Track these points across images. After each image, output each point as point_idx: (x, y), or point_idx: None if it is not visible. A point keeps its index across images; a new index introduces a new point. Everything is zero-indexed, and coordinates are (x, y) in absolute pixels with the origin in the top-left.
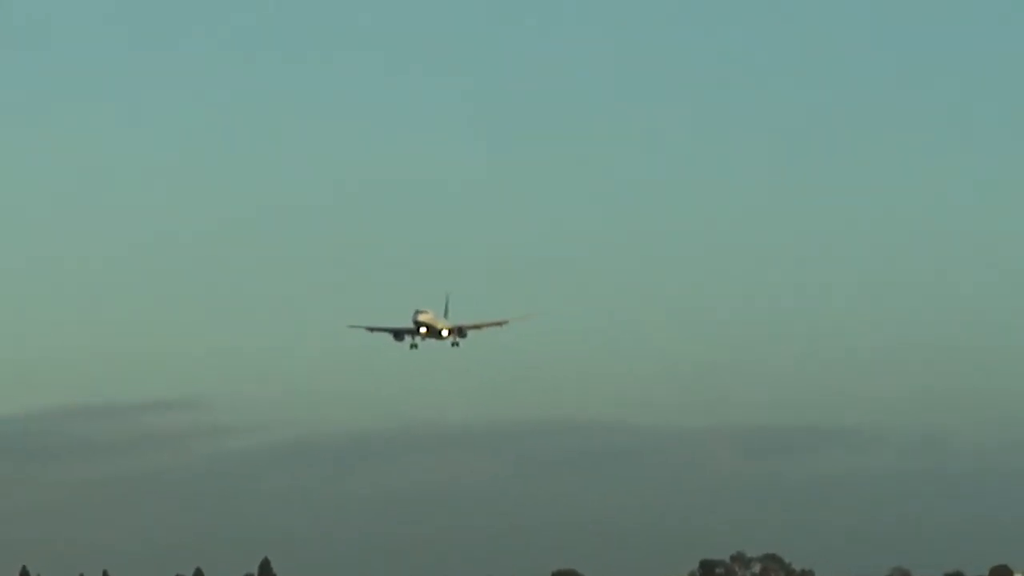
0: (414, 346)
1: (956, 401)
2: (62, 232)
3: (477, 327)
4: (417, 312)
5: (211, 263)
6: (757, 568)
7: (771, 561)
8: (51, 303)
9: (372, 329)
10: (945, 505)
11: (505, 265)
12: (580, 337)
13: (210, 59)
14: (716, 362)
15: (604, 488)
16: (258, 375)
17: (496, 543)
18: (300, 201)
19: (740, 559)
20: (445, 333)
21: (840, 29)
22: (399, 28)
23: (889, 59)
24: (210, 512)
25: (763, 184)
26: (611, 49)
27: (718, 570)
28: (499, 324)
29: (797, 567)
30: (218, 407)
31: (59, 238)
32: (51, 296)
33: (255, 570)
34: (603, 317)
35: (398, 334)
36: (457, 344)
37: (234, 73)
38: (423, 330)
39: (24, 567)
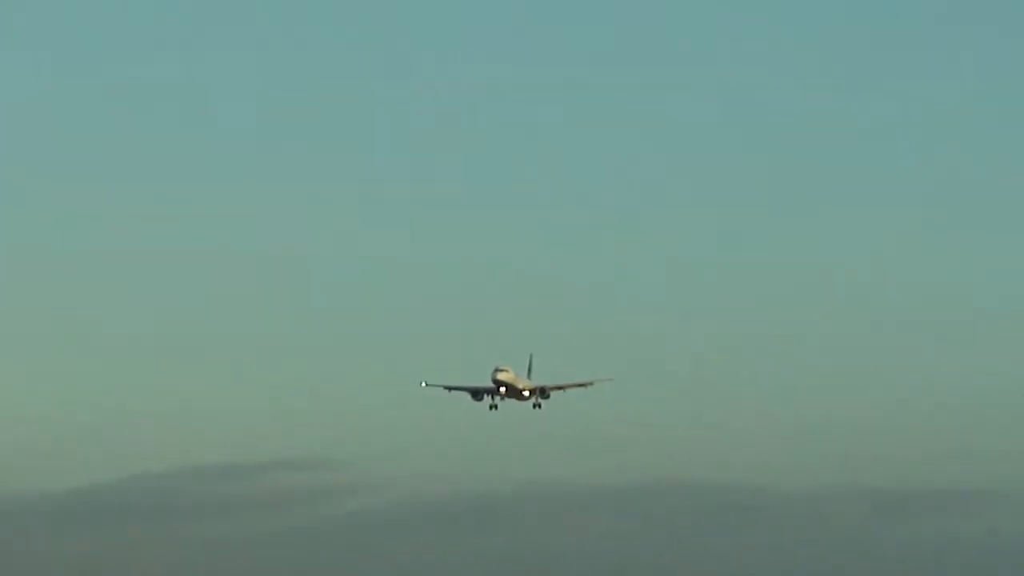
0: (494, 407)
1: None
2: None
3: (561, 388)
4: (497, 370)
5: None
6: None
7: None
8: (180, 360)
9: (450, 388)
10: None
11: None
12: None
13: None
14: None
15: (721, 551)
16: (376, 434)
17: None
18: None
19: None
20: (527, 393)
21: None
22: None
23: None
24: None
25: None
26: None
27: None
28: (584, 385)
29: None
30: (345, 467)
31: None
32: (180, 353)
33: None
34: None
35: (476, 393)
36: (539, 406)
37: None
38: (503, 389)
39: None
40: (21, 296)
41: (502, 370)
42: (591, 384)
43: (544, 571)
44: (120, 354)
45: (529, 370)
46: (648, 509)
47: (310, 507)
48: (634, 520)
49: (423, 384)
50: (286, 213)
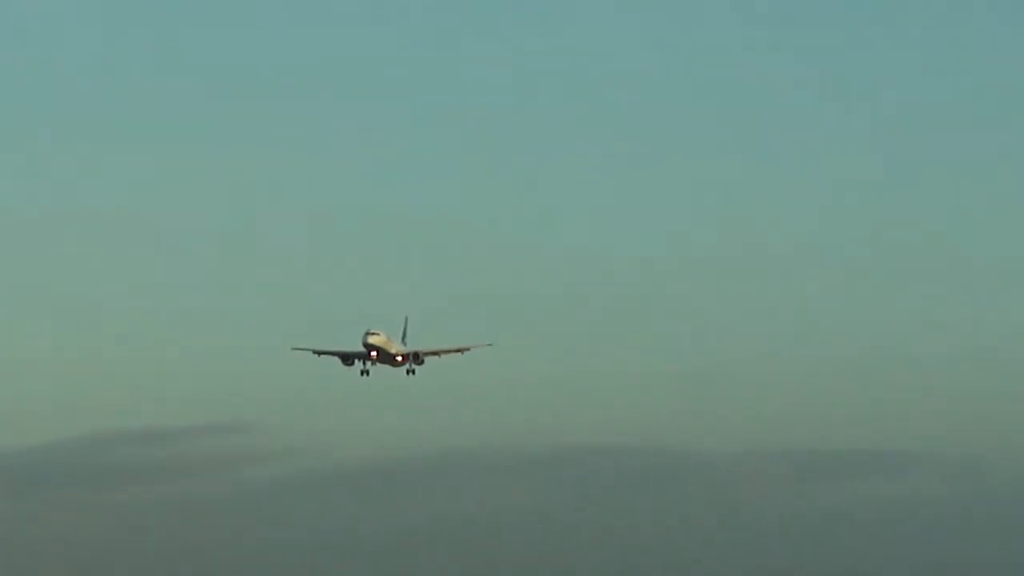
0: (365, 372)
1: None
2: (102, 250)
3: (436, 353)
4: (368, 333)
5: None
6: None
7: None
8: (85, 326)
9: (319, 353)
10: (986, 532)
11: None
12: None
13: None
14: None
15: (650, 512)
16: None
17: (545, 569)
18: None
19: None
20: (400, 359)
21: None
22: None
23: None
24: (262, 537)
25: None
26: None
27: None
28: (461, 351)
29: None
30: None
31: (99, 256)
32: (85, 319)
33: None
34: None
35: (347, 358)
36: (413, 372)
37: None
38: (374, 354)
39: None
40: None
41: (373, 333)
42: (468, 350)
43: (460, 537)
44: (37, 317)
45: (404, 335)
46: (556, 473)
47: (225, 472)
48: (540, 485)
49: (292, 349)
50: (185, 178)
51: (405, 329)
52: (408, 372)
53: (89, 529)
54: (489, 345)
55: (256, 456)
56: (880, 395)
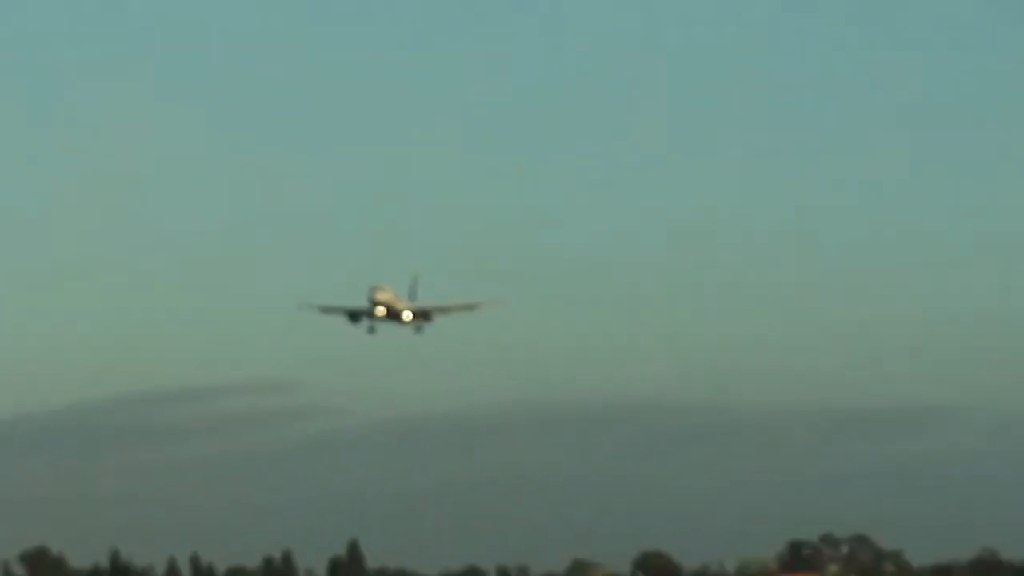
0: (372, 329)
1: None
2: (133, 218)
3: (444, 311)
4: (374, 290)
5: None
6: (845, 549)
7: (860, 542)
8: (128, 290)
9: (325, 310)
10: None
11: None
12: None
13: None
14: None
15: (691, 470)
16: (340, 356)
17: (584, 527)
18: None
19: (829, 540)
20: (407, 315)
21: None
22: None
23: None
24: (298, 494)
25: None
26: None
27: (806, 551)
28: (469, 308)
29: (886, 548)
30: (305, 390)
31: (130, 224)
32: (128, 282)
33: (343, 551)
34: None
35: (354, 315)
36: (421, 329)
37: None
38: (381, 311)
39: (115, 550)
40: None
41: (380, 289)
42: (478, 307)
43: (501, 493)
44: (72, 278)
45: (414, 292)
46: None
47: (265, 430)
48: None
49: (297, 306)
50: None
51: (415, 286)
52: (416, 330)
53: (132, 485)
54: (501, 302)
55: (294, 413)
56: (930, 354)
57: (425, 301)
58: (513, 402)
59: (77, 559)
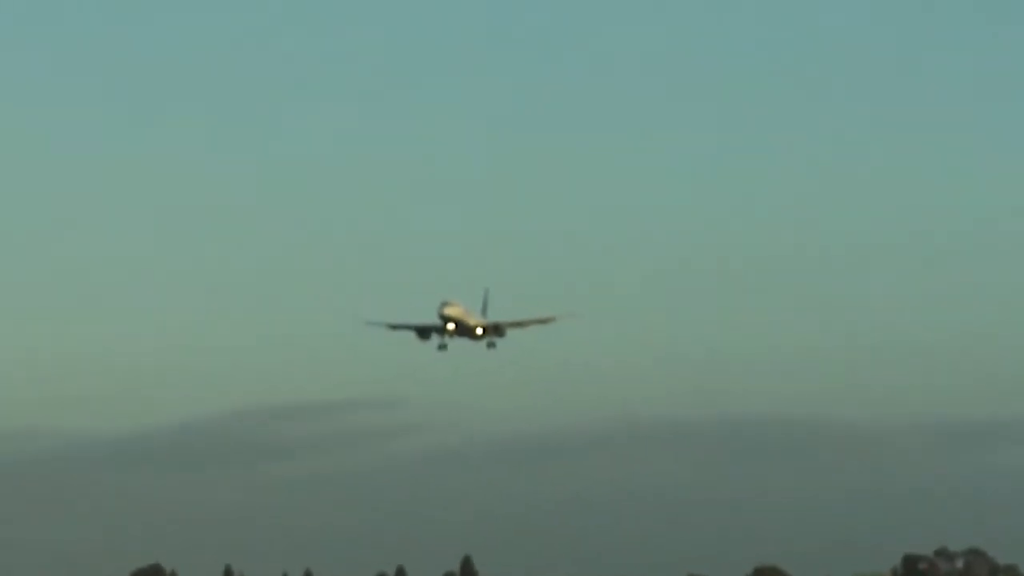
0: (443, 347)
1: None
2: (257, 232)
3: (519, 325)
4: (443, 305)
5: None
6: (960, 563)
7: (975, 556)
8: (246, 307)
9: (394, 327)
10: None
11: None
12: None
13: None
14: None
15: (806, 484)
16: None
17: (697, 542)
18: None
19: (943, 554)
20: (479, 331)
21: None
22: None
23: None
24: (411, 510)
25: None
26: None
27: (921, 565)
28: (545, 322)
29: (1001, 562)
30: (414, 407)
31: (248, 242)
32: (246, 299)
33: (457, 567)
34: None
35: (423, 331)
36: (494, 345)
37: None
38: (451, 327)
39: (228, 566)
40: (88, 237)
41: (449, 305)
42: (553, 320)
43: (617, 508)
44: (189, 297)
45: (485, 306)
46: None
47: (377, 446)
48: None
49: (366, 323)
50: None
51: (486, 301)
52: (488, 345)
53: (245, 501)
54: (576, 316)
55: (404, 430)
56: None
57: (498, 316)
58: (619, 418)
59: None
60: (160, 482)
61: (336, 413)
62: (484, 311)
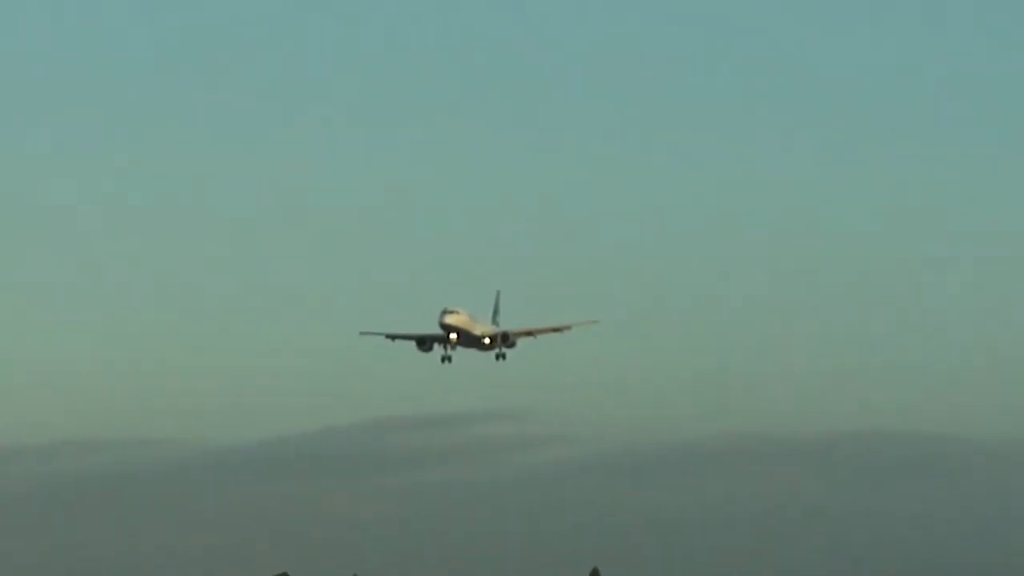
0: (447, 359)
1: None
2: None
3: (530, 333)
4: (444, 313)
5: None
6: None
7: None
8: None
9: (392, 337)
10: None
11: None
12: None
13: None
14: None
15: (919, 501)
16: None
17: (824, 556)
18: None
19: None
20: (487, 340)
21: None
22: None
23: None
24: (537, 521)
25: None
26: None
27: None
28: (559, 330)
29: None
30: (537, 418)
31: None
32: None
33: None
34: None
35: (423, 342)
36: (503, 356)
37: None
38: (454, 336)
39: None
40: (202, 248)
41: (451, 312)
42: (568, 328)
43: (730, 523)
44: (309, 307)
45: (495, 312)
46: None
47: (501, 457)
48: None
49: (361, 333)
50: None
51: (497, 304)
52: (497, 357)
53: (365, 513)
54: (595, 323)
55: (528, 441)
56: None
57: (509, 324)
58: (738, 432)
59: None
60: (287, 491)
61: (462, 424)
62: (495, 316)
